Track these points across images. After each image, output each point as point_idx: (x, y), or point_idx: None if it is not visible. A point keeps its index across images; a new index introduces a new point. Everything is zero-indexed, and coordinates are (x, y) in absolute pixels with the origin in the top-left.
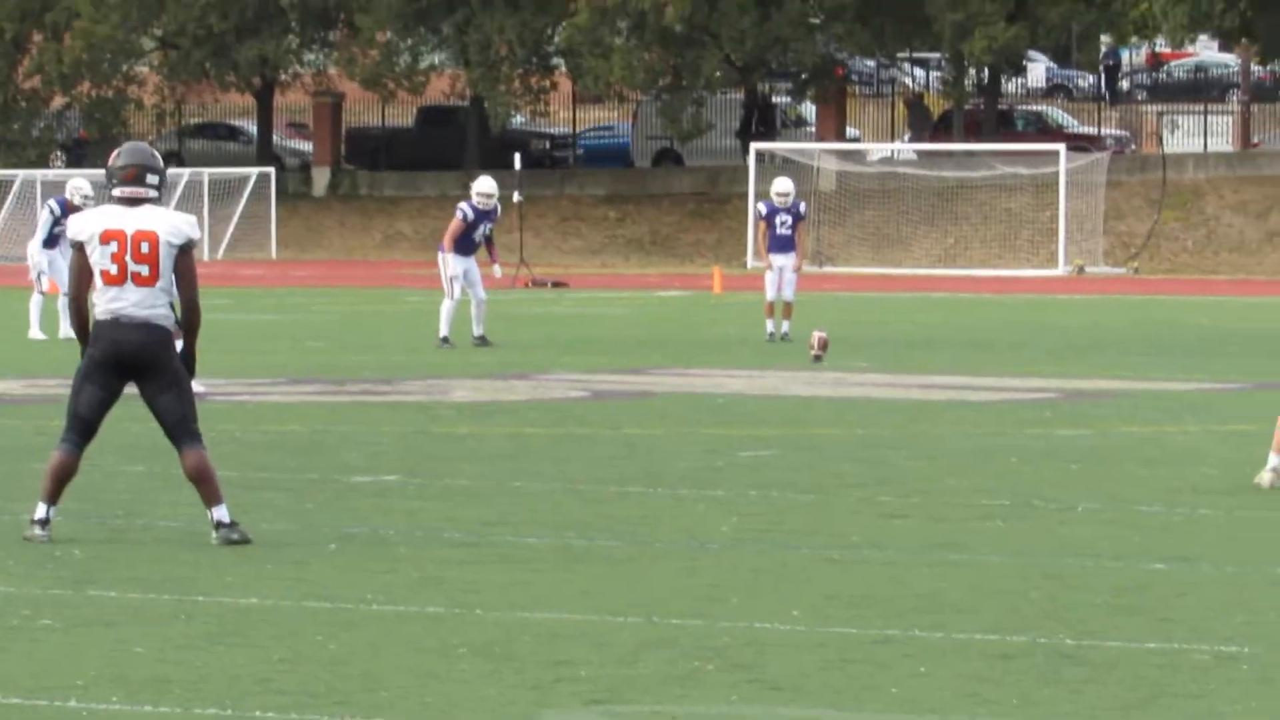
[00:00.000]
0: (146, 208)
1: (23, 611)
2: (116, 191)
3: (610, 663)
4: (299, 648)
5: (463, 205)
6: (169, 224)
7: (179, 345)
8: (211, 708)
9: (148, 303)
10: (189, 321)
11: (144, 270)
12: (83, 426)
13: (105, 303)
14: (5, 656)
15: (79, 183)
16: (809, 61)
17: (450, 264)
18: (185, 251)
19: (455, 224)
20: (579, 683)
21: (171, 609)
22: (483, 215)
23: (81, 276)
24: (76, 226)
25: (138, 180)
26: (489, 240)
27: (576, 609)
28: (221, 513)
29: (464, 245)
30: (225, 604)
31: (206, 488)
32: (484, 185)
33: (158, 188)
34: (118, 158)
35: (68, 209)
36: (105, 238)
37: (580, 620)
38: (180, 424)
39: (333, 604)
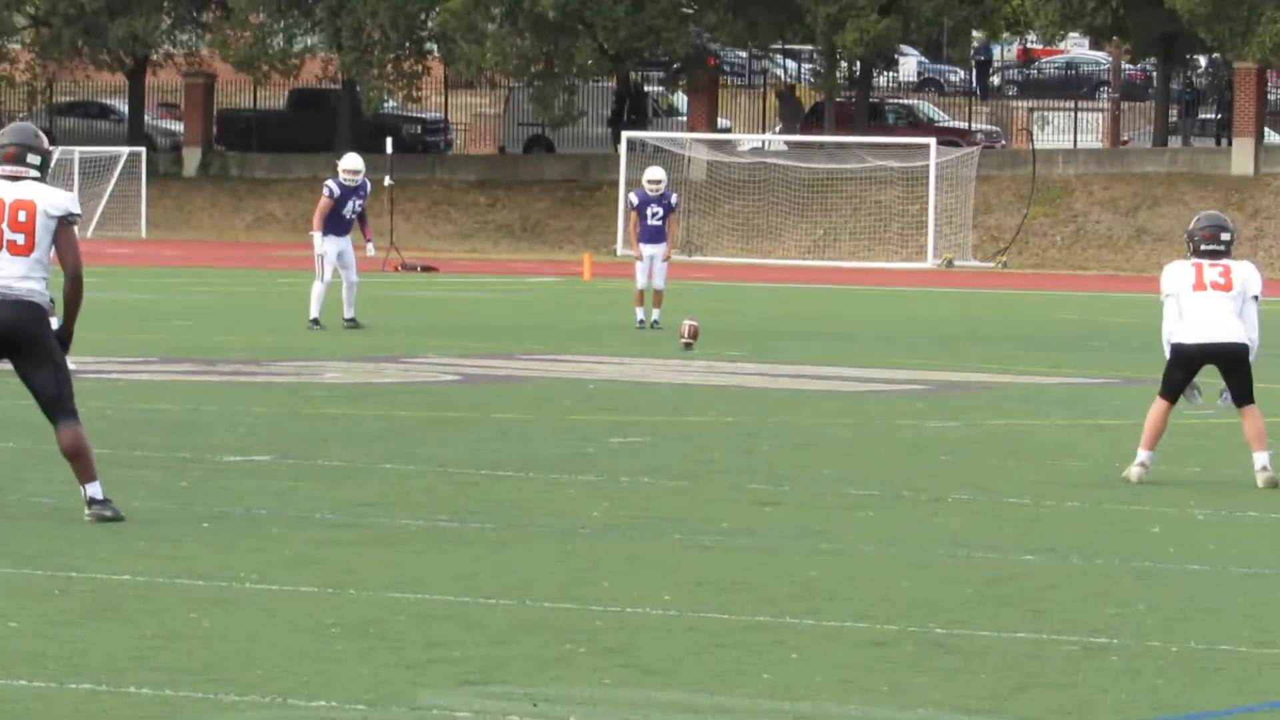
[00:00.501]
0: (27, 183)
1: None
2: None
3: (484, 644)
4: (173, 625)
5: (329, 182)
6: (48, 196)
7: (55, 323)
8: (86, 683)
9: (22, 274)
10: (72, 294)
11: (20, 239)
12: None
13: None
14: None
15: None
16: (681, 51)
17: (324, 244)
18: (65, 224)
19: (323, 202)
20: (453, 663)
21: (45, 584)
22: (350, 192)
23: None
24: None
25: (18, 160)
26: (362, 218)
27: (450, 591)
28: (95, 489)
29: (336, 224)
30: (99, 580)
31: (81, 464)
32: (350, 162)
33: (39, 168)
34: (0, 137)
35: None
36: None
37: (454, 602)
38: (56, 401)
39: (206, 581)
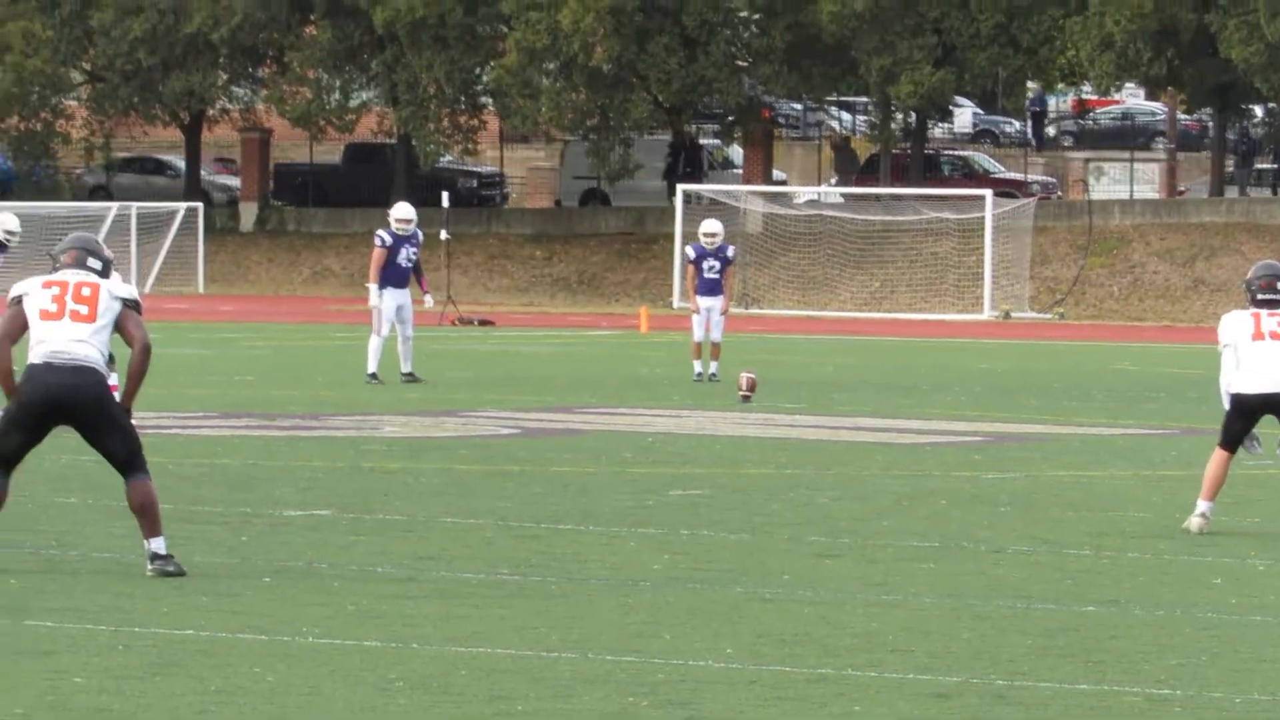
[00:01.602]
0: (91, 273)
1: None
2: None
3: (546, 697)
4: (236, 680)
5: (380, 232)
6: (112, 282)
7: (114, 379)
8: None
9: (82, 338)
10: (139, 366)
11: (82, 309)
12: (7, 462)
13: (39, 343)
14: None
15: (5, 218)
16: (735, 103)
17: (383, 298)
18: (129, 307)
19: (376, 252)
20: (516, 717)
21: (109, 639)
22: (402, 240)
23: (12, 325)
24: (21, 284)
25: (78, 263)
26: (417, 270)
27: (512, 644)
28: (159, 544)
29: (394, 276)
30: (162, 635)
31: (148, 519)
32: (402, 211)
33: (100, 273)
34: (61, 245)
35: None
36: (47, 285)
37: (516, 655)
38: (129, 460)
39: (269, 636)
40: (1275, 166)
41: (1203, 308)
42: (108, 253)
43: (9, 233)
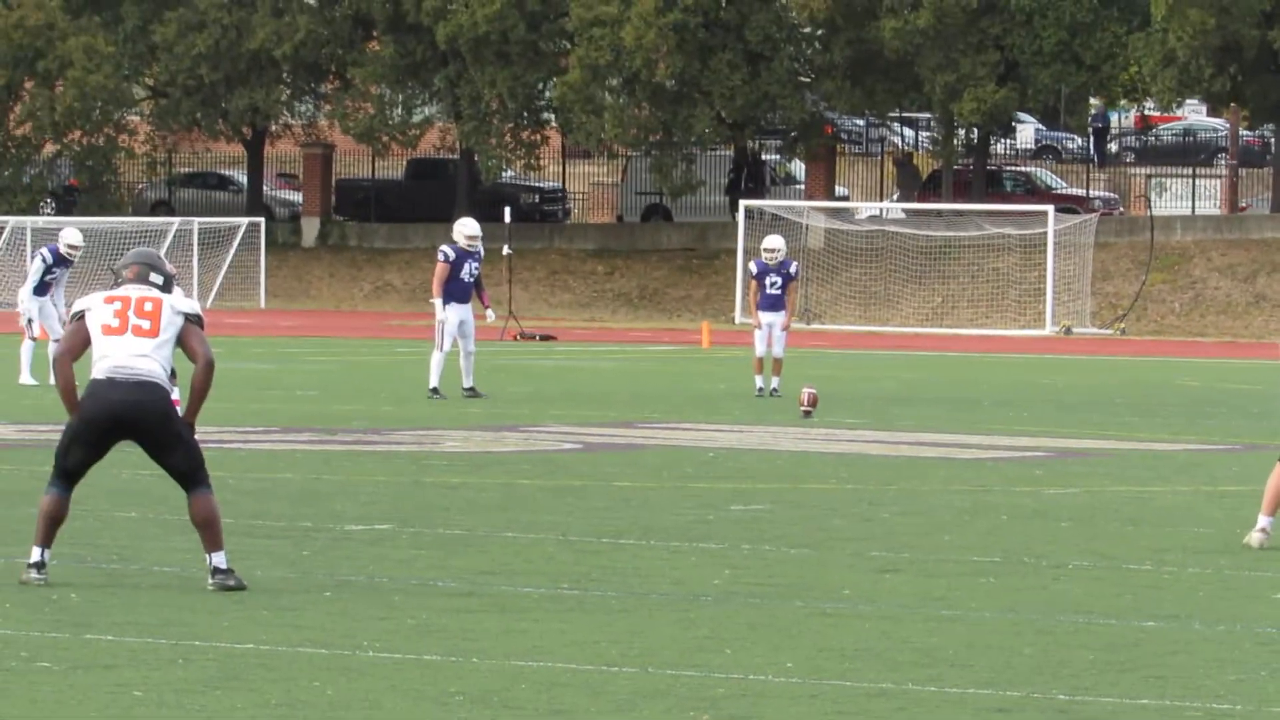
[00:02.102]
0: (153, 289)
1: (21, 654)
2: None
3: (607, 711)
4: (297, 694)
5: (443, 247)
6: (175, 297)
7: (175, 393)
8: None
9: (145, 352)
10: (203, 382)
11: (145, 324)
12: (69, 476)
13: (102, 358)
14: (4, 699)
15: (69, 233)
16: (797, 119)
17: (446, 312)
18: (192, 321)
19: (440, 267)
20: None
21: (169, 653)
22: (465, 255)
23: (74, 341)
24: (84, 299)
25: (140, 278)
26: (478, 284)
27: (572, 658)
28: (220, 559)
29: (457, 290)
30: (222, 649)
31: (209, 533)
32: (470, 228)
33: (162, 288)
34: (123, 260)
35: (58, 258)
36: (109, 300)
37: (576, 670)
38: (191, 474)
39: (329, 650)
40: None
41: (1264, 323)
42: (170, 268)
43: (71, 247)
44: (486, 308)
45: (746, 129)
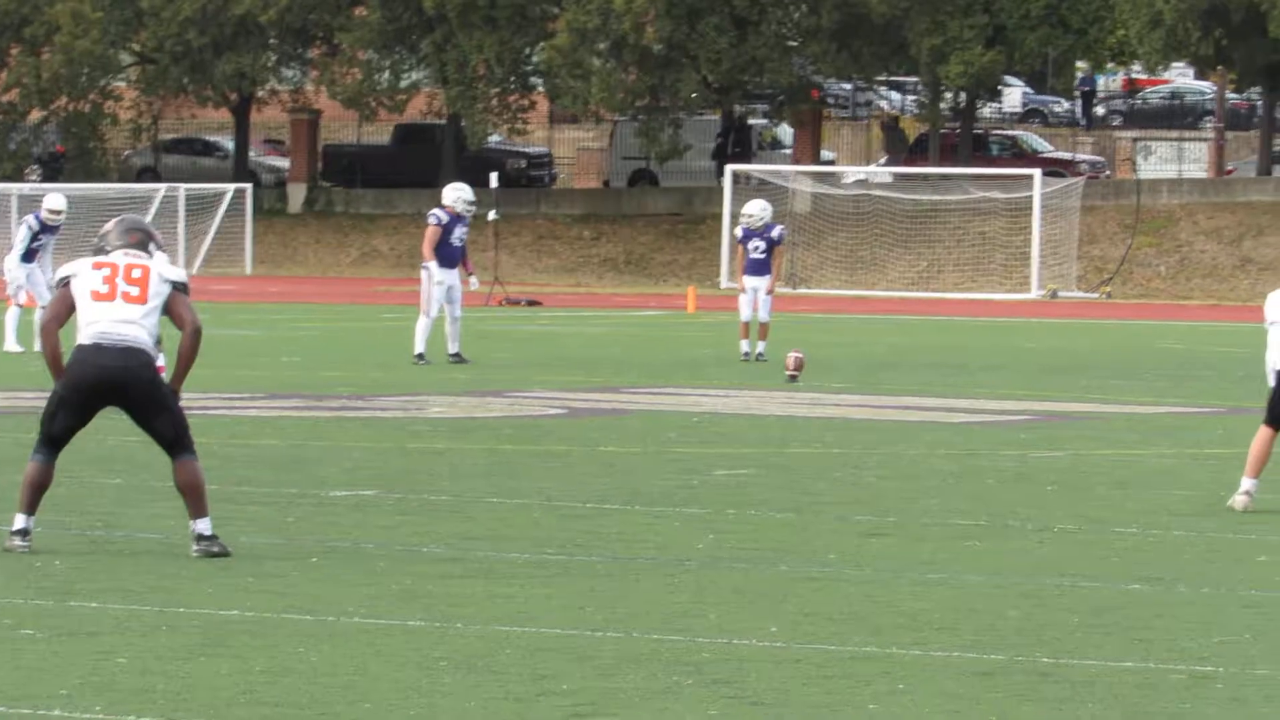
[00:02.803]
0: (142, 255)
1: (5, 621)
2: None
3: (591, 676)
4: (281, 659)
5: (434, 211)
6: (162, 265)
7: (160, 359)
8: (196, 718)
9: (133, 319)
10: (190, 348)
11: (134, 291)
12: (54, 443)
13: (89, 324)
14: None
15: (51, 198)
16: (784, 83)
17: (435, 273)
18: (179, 289)
19: (431, 230)
20: (561, 696)
21: (154, 620)
22: (456, 220)
23: (59, 307)
24: (70, 265)
25: (140, 245)
26: (462, 251)
27: (557, 623)
28: (204, 525)
29: (446, 255)
30: (207, 615)
31: (194, 499)
32: (465, 191)
33: (149, 254)
34: (109, 227)
35: (44, 225)
36: (97, 266)
37: (561, 635)
38: (176, 441)
39: (314, 616)
40: None
41: (1250, 286)
42: (156, 235)
43: (53, 211)
44: (470, 274)
45: (733, 93)
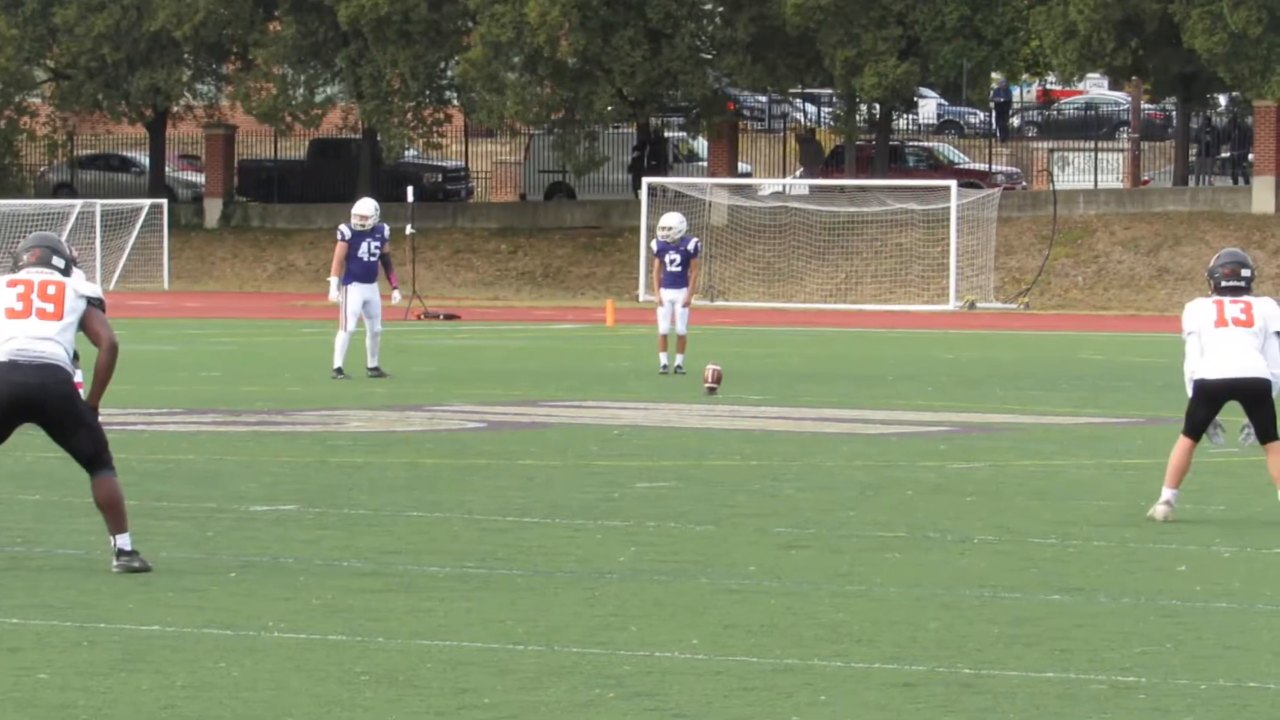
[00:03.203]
0: (55, 272)
1: None
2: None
3: (513, 690)
4: (202, 675)
5: (341, 227)
6: (76, 281)
7: (78, 375)
8: None
9: (48, 335)
10: (106, 364)
11: (49, 307)
12: None
13: (5, 341)
14: None
15: None
16: (699, 96)
17: (347, 293)
18: (94, 305)
19: (339, 247)
20: (482, 710)
21: (75, 635)
22: (362, 235)
23: None
24: None
25: (42, 261)
26: (386, 264)
27: (478, 637)
28: (124, 540)
29: (358, 270)
30: (127, 630)
31: (113, 515)
32: (360, 206)
33: (63, 271)
34: (24, 244)
35: None
36: (11, 284)
37: (482, 648)
38: (95, 457)
39: (234, 631)
40: (1232, 154)
41: (1167, 296)
42: (71, 251)
43: None
44: (395, 288)
45: (649, 106)
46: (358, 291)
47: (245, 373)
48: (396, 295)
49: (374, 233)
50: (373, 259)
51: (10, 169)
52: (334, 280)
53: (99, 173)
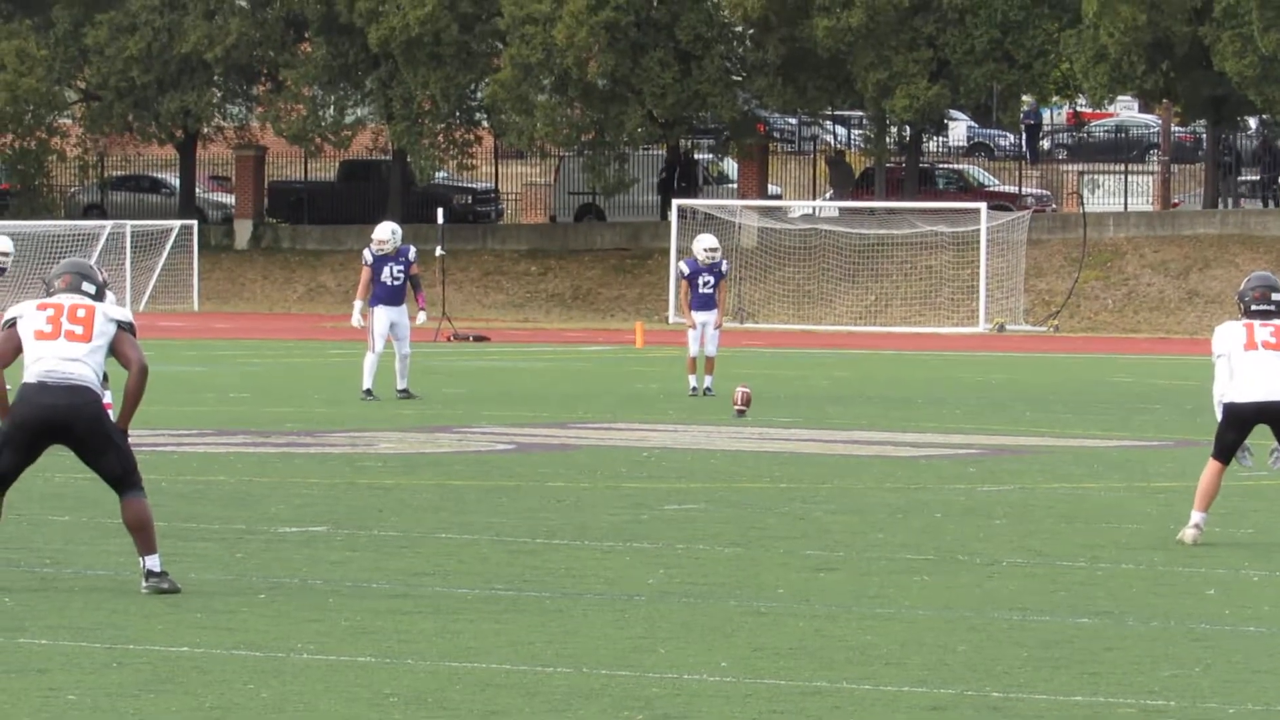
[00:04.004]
0: (85, 297)
1: None
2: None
3: (541, 712)
4: (231, 696)
5: (365, 250)
6: (106, 305)
7: (108, 396)
8: None
9: (77, 357)
10: (136, 386)
11: (78, 330)
12: (1, 481)
13: (34, 363)
14: None
15: (1, 241)
16: (729, 118)
17: (376, 317)
18: (124, 329)
19: (363, 271)
20: None
21: (104, 657)
22: (384, 259)
23: (5, 348)
24: (15, 307)
25: (73, 287)
26: (415, 285)
27: (507, 659)
28: (153, 562)
29: (381, 293)
30: (156, 652)
31: (143, 536)
32: (378, 231)
33: (94, 296)
34: (55, 270)
35: None
36: (42, 307)
37: (511, 670)
38: (123, 478)
39: (263, 653)
40: (1261, 178)
41: (1197, 319)
42: (102, 276)
43: (2, 254)
44: (421, 309)
45: (678, 128)
46: (384, 313)
47: (275, 394)
48: (421, 316)
49: (397, 256)
50: (396, 283)
51: (41, 190)
52: (357, 304)
53: (129, 194)
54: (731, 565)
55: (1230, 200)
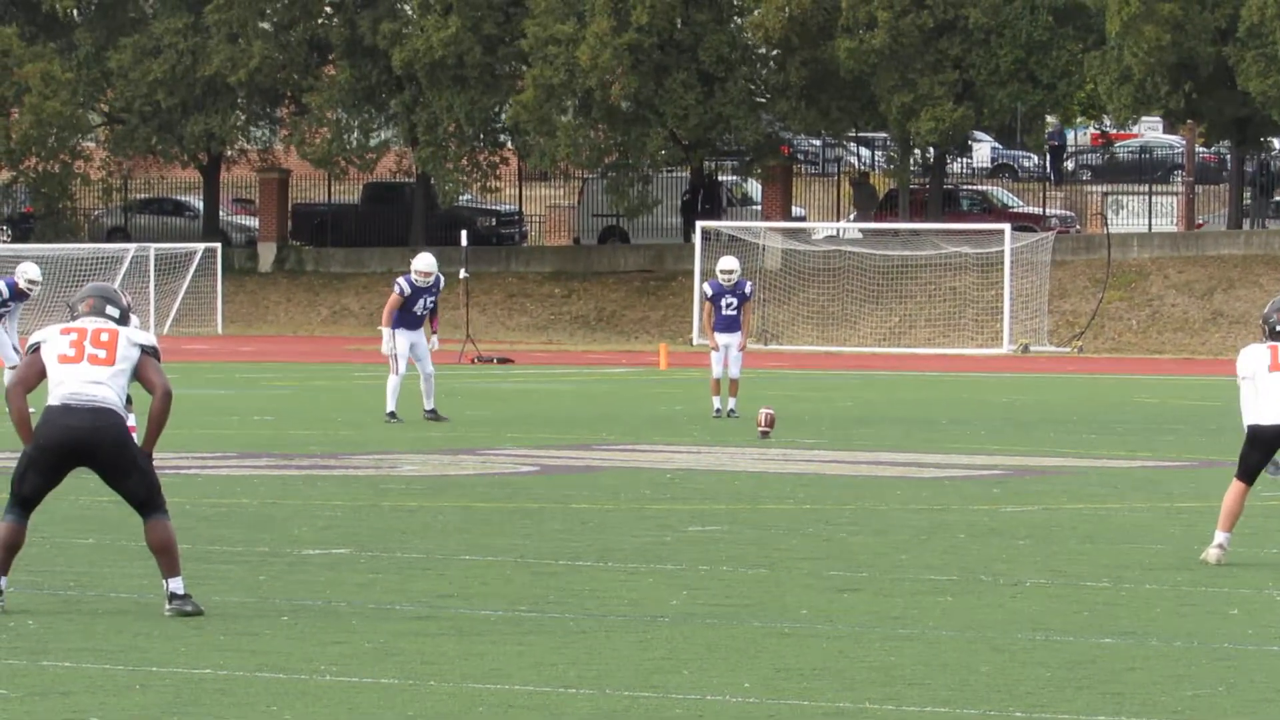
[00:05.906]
0: (109, 321)
1: None
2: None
3: None
4: (254, 718)
5: (400, 280)
6: (130, 329)
7: (131, 419)
8: None
9: (100, 380)
10: (160, 411)
11: (101, 354)
12: (25, 504)
13: (57, 386)
14: None
15: (27, 267)
16: (752, 140)
17: (397, 341)
18: (147, 354)
19: (393, 298)
20: None
21: (127, 679)
22: (421, 291)
23: (28, 372)
24: (40, 332)
25: (96, 311)
26: (432, 313)
27: (530, 681)
28: (177, 584)
29: (407, 321)
30: (180, 674)
31: (166, 559)
32: (422, 264)
33: (118, 320)
34: (79, 294)
35: (16, 291)
36: (65, 331)
37: (534, 691)
38: (148, 500)
39: (287, 675)
40: None
41: (1221, 340)
42: (125, 300)
43: (31, 282)
44: (434, 333)
45: (702, 150)
46: (404, 335)
47: (298, 417)
48: (435, 341)
49: (431, 289)
50: (425, 314)
51: (64, 213)
52: (386, 332)
53: (153, 217)
54: (755, 586)
55: (1254, 220)
